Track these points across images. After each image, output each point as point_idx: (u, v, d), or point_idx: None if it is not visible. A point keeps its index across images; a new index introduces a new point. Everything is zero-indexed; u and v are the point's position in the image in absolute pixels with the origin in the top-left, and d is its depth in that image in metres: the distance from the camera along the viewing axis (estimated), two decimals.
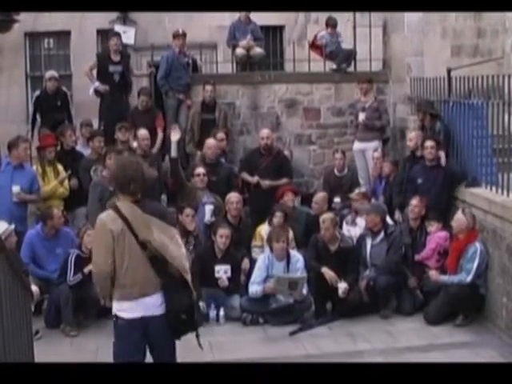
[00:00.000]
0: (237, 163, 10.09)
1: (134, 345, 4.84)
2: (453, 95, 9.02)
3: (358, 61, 10.87)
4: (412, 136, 9.12)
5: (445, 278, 7.61)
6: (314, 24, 12.52)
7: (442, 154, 8.53)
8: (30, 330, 5.69)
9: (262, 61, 11.10)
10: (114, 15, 12.27)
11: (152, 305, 4.80)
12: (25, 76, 12.84)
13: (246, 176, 9.53)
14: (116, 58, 10.42)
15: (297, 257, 7.88)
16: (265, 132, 9.67)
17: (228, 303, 7.82)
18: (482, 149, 8.28)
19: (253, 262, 8.13)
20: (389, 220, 8.47)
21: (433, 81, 9.62)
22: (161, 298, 4.81)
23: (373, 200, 9.05)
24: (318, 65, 10.87)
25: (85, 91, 10.69)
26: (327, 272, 7.72)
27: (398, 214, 8.83)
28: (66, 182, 9.12)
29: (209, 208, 8.63)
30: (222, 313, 7.73)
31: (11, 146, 8.51)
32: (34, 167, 9.07)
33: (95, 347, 6.68)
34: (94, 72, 10.46)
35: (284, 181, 9.44)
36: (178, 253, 4.83)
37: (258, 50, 10.86)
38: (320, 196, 9.19)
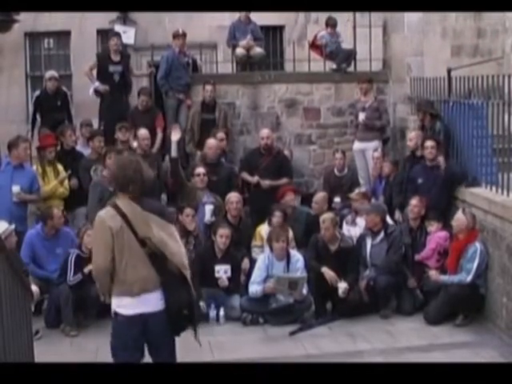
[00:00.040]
0: (237, 163, 10.09)
1: (133, 341, 4.85)
2: (453, 95, 9.02)
3: (358, 61, 10.87)
4: (412, 136, 9.11)
5: (445, 277, 7.61)
6: (314, 24, 12.52)
7: (440, 158, 8.50)
8: (30, 330, 5.69)
9: (262, 61, 11.11)
10: (114, 15, 12.28)
11: (152, 301, 4.82)
12: (25, 76, 12.84)
13: (246, 176, 9.53)
14: (116, 58, 10.42)
15: (297, 256, 7.88)
16: (265, 132, 9.67)
17: (228, 303, 7.82)
18: (482, 149, 8.29)
19: (253, 261, 8.13)
20: (389, 220, 8.47)
21: (433, 81, 9.62)
22: (160, 294, 4.83)
23: (373, 200, 9.05)
24: (318, 65, 10.87)
25: (85, 91, 10.69)
26: (327, 272, 7.72)
27: (398, 214, 8.83)
28: (66, 181, 9.12)
29: (209, 208, 8.63)
30: (222, 313, 7.73)
31: (11, 145, 8.51)
32: (34, 167, 9.07)
33: (95, 347, 6.68)
34: (94, 72, 10.46)
35: (284, 181, 9.44)
36: (177, 249, 4.86)
37: (257, 50, 10.86)
38: (320, 196, 9.20)
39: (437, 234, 8.01)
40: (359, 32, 10.96)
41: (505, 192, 7.46)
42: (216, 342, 7.11)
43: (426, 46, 11.11)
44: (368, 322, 7.65)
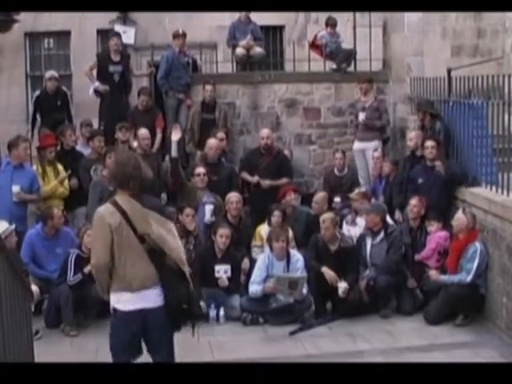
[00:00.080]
0: (237, 163, 10.09)
1: (132, 337, 4.88)
2: (453, 95, 9.02)
3: (358, 61, 10.87)
4: (412, 136, 9.11)
5: (445, 277, 7.61)
6: (314, 24, 12.52)
7: (438, 163, 8.47)
8: (30, 330, 5.69)
9: (262, 61, 11.11)
10: (114, 15, 12.27)
11: (151, 297, 4.85)
12: (25, 76, 12.84)
13: (246, 176, 9.54)
14: (116, 57, 10.42)
15: (297, 256, 7.88)
16: (265, 132, 9.67)
17: (228, 303, 7.82)
18: (482, 148, 8.29)
19: (253, 261, 8.13)
20: (389, 220, 8.47)
21: (433, 81, 9.62)
22: (159, 290, 4.86)
23: (373, 200, 9.05)
24: (318, 65, 10.87)
25: (85, 91, 10.69)
26: (327, 272, 7.72)
27: (398, 214, 8.83)
28: (66, 181, 9.12)
29: (209, 208, 8.62)
30: (222, 313, 7.73)
31: (11, 145, 8.51)
32: (34, 167, 9.07)
33: (95, 347, 6.68)
34: (94, 72, 10.46)
35: (284, 181, 9.45)
36: (176, 246, 4.90)
37: (258, 50, 10.86)
38: (320, 196, 9.20)
39: (437, 233, 8.01)
40: (359, 32, 10.96)
41: (505, 192, 7.46)
42: (216, 341, 7.11)
43: (426, 46, 11.11)
44: (368, 322, 7.64)
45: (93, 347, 6.73)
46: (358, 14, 11.00)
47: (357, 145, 10.07)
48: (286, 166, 9.68)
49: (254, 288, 7.70)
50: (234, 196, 8.60)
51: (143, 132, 9.27)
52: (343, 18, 11.10)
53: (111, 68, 10.35)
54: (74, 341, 7.32)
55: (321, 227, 7.93)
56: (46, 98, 10.32)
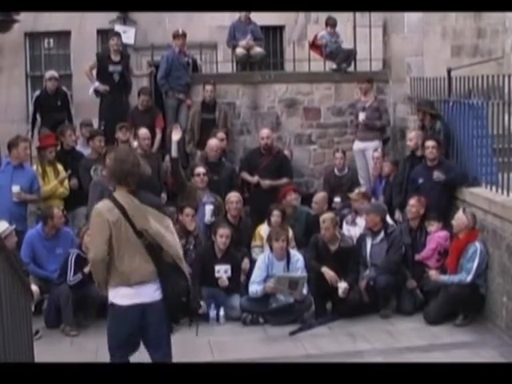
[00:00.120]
0: (237, 163, 10.09)
1: (129, 331, 4.92)
2: (453, 95, 9.02)
3: (358, 61, 10.88)
4: (412, 136, 9.11)
5: (445, 277, 7.60)
6: (314, 24, 12.52)
7: (436, 173, 8.43)
8: (30, 330, 5.69)
9: (262, 61, 11.11)
10: (114, 15, 12.27)
11: (149, 292, 4.90)
12: (25, 76, 12.84)
13: (246, 176, 9.54)
14: (116, 57, 10.42)
15: (297, 256, 7.88)
16: (265, 132, 9.67)
17: (228, 303, 7.82)
18: (482, 148, 8.29)
19: (253, 261, 8.13)
20: (389, 220, 8.47)
21: (433, 81, 9.62)
22: (157, 285, 4.92)
23: (373, 200, 9.05)
24: (318, 65, 10.87)
25: (85, 91, 10.69)
26: (327, 272, 7.71)
27: (398, 214, 8.83)
28: (66, 181, 9.12)
29: (209, 208, 8.62)
30: (222, 313, 7.72)
31: (11, 145, 8.52)
32: (34, 167, 9.07)
33: (95, 347, 6.67)
34: (94, 72, 10.46)
35: (284, 181, 9.45)
36: (173, 242, 4.97)
37: (258, 50, 10.86)
38: (320, 196, 9.20)
39: (437, 233, 8.01)
40: (359, 32, 10.96)
41: (505, 192, 7.46)
42: (216, 342, 7.12)
43: (426, 46, 11.12)
44: (368, 322, 7.64)
45: (93, 347, 6.73)
46: (358, 14, 11.01)
47: (357, 145, 10.07)
48: (286, 166, 9.68)
49: (254, 288, 7.69)
50: (233, 196, 8.60)
51: (143, 132, 9.27)
52: (343, 18, 11.09)
53: (111, 68, 10.36)
54: (74, 341, 7.32)
55: (321, 227, 7.93)
56: (46, 98, 10.32)
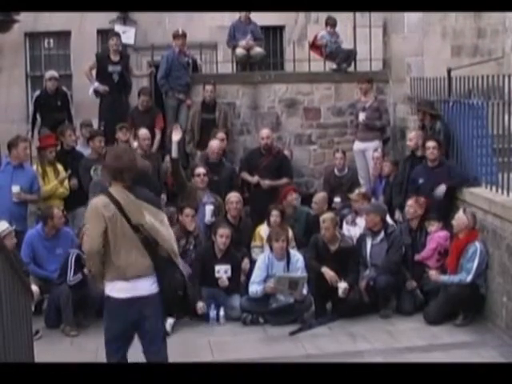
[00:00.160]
0: (237, 163, 10.09)
1: (125, 324, 4.97)
2: (453, 95, 9.02)
3: (358, 61, 10.87)
4: (412, 136, 9.11)
5: (445, 278, 7.60)
6: (314, 24, 12.52)
7: (441, 188, 8.45)
8: (30, 330, 5.69)
9: (262, 61, 11.11)
10: (114, 15, 12.28)
11: (145, 285, 4.95)
12: (25, 76, 12.85)
13: (246, 176, 9.53)
14: (115, 57, 10.42)
15: (297, 256, 7.88)
16: (265, 132, 9.67)
17: (228, 303, 7.82)
18: (482, 148, 8.29)
19: (253, 262, 8.13)
20: (389, 220, 8.47)
21: (433, 81, 9.61)
22: (153, 279, 4.97)
23: (373, 200, 9.04)
24: (318, 65, 10.87)
25: (85, 91, 10.70)
26: (327, 272, 7.71)
27: (398, 214, 8.83)
28: (66, 181, 9.12)
29: (209, 208, 8.62)
30: (222, 313, 7.72)
31: (11, 145, 8.51)
32: (34, 167, 9.07)
33: (95, 347, 6.65)
34: (94, 72, 10.46)
35: (284, 181, 9.45)
36: (168, 236, 5.02)
37: (258, 50, 10.86)
38: (320, 196, 9.20)
39: (437, 233, 8.00)
40: (359, 32, 10.96)
41: (505, 192, 7.46)
42: (216, 342, 7.12)
43: (426, 46, 11.12)
44: (368, 322, 7.64)
45: (93, 347, 6.72)
46: (358, 14, 11.00)
47: (357, 145, 10.07)
48: (286, 166, 9.68)
49: (254, 288, 7.69)
50: (233, 196, 8.60)
51: (143, 132, 9.27)
52: (343, 18, 11.09)
53: (110, 68, 10.35)
54: (74, 341, 7.31)
55: (321, 227, 7.93)
56: (46, 98, 10.33)
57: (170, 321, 7.17)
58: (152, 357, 5.01)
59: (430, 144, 8.53)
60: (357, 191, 9.01)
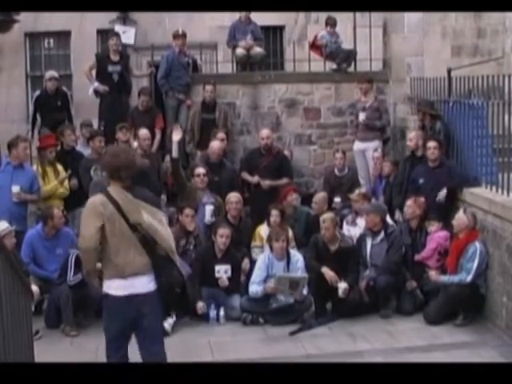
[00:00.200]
0: (237, 163, 10.09)
1: (123, 322, 5.00)
2: (453, 95, 9.02)
3: (358, 61, 10.87)
4: (412, 136, 9.11)
5: (445, 278, 7.60)
6: (314, 24, 12.53)
7: (442, 192, 8.41)
8: (30, 330, 5.69)
9: (262, 61, 11.11)
10: (114, 15, 12.29)
11: (143, 284, 4.98)
12: (25, 76, 12.86)
13: (246, 176, 9.53)
14: (115, 57, 10.41)
15: (297, 256, 7.88)
16: (265, 132, 9.67)
17: (228, 303, 7.82)
18: (482, 148, 8.29)
19: (253, 262, 8.13)
20: (389, 220, 8.47)
21: (433, 81, 9.62)
22: (151, 277, 5.01)
23: (373, 200, 9.04)
24: (318, 65, 10.87)
25: (85, 91, 10.70)
26: (327, 272, 7.71)
27: (398, 214, 8.83)
28: (66, 181, 9.12)
29: (209, 208, 8.62)
30: (222, 313, 7.72)
31: (11, 145, 8.51)
32: (34, 167, 9.07)
33: (95, 347, 6.66)
34: (94, 72, 10.46)
35: (284, 181, 9.45)
36: (167, 235, 5.06)
37: (258, 50, 10.86)
38: (320, 196, 9.20)
39: (437, 233, 8.00)
40: (359, 32, 10.96)
41: (505, 192, 7.46)
42: (216, 342, 7.12)
43: (426, 46, 11.12)
44: (368, 322, 7.64)
45: (93, 347, 6.72)
46: (358, 14, 11.00)
47: (357, 145, 10.07)
48: (286, 166, 9.68)
49: (254, 288, 7.69)
50: (233, 196, 8.59)
51: (144, 132, 9.27)
52: (343, 18, 11.09)
53: (110, 68, 10.35)
54: (74, 341, 7.31)
55: (321, 227, 7.93)
56: (46, 98, 10.33)
57: (170, 321, 7.22)
58: (151, 357, 5.01)
59: (431, 144, 8.53)
60: (357, 191, 9.01)
